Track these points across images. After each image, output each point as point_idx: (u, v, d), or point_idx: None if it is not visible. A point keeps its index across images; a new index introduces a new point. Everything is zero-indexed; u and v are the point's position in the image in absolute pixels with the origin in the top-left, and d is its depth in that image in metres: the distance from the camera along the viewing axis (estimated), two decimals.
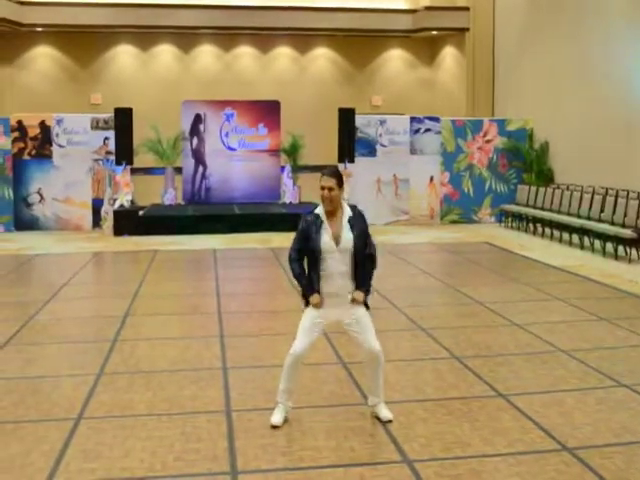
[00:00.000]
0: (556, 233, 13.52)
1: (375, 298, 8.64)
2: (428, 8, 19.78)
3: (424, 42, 21.34)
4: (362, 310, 4.82)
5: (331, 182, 4.68)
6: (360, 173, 15.76)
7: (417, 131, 16.24)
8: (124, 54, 20.46)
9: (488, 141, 16.50)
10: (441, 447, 4.44)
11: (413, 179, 16.18)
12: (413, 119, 16.37)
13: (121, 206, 14.67)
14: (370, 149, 16.11)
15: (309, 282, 4.77)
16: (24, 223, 15.18)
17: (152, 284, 9.70)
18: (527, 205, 15.10)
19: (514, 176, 16.56)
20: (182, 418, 4.92)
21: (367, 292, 4.82)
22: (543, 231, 14.07)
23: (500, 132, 16.53)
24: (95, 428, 4.76)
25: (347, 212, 4.79)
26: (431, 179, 16.26)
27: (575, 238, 12.74)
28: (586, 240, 12.36)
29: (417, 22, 20.11)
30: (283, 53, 21.10)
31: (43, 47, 20.17)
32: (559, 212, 13.74)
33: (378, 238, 13.67)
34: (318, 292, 4.75)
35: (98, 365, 6.10)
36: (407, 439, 4.55)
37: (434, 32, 20.39)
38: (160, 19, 19.27)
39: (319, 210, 4.78)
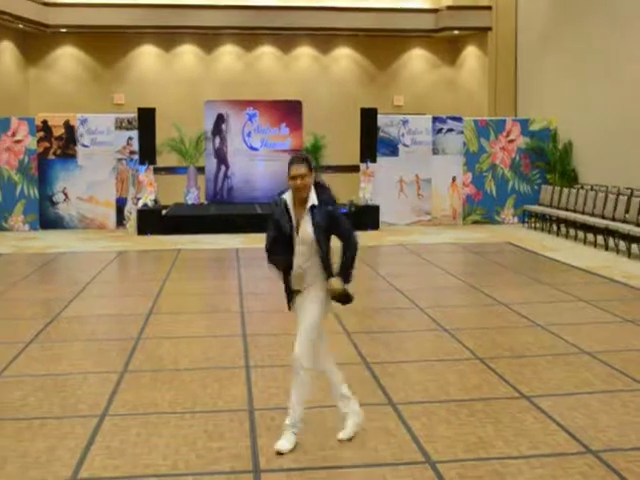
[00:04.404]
0: (580, 234, 13.41)
1: (398, 298, 8.66)
2: (450, 8, 19.70)
3: (446, 42, 21.25)
4: (307, 311, 4.40)
5: (302, 169, 4.30)
6: (382, 173, 15.74)
7: (439, 131, 16.18)
8: (147, 54, 20.59)
9: (511, 141, 16.40)
10: (464, 448, 4.43)
11: (435, 179, 16.12)
12: (435, 119, 16.31)
13: (144, 205, 14.77)
14: (392, 149, 16.08)
15: (290, 287, 4.47)
16: (49, 222, 15.35)
17: (175, 283, 9.76)
18: (551, 206, 14.99)
19: (537, 176, 16.44)
20: (205, 416, 4.95)
21: (345, 280, 4.37)
22: (567, 232, 13.96)
23: (523, 132, 16.42)
24: (119, 425, 4.80)
25: (312, 199, 4.35)
26: (453, 179, 16.20)
27: (600, 239, 12.62)
28: (611, 241, 12.24)
29: (439, 22, 20.04)
30: (305, 53, 21.11)
31: (67, 48, 20.35)
32: (583, 213, 13.62)
33: (400, 238, 13.82)
34: (290, 290, 4.47)
35: (122, 363, 6.15)
36: (430, 440, 4.53)
37: (456, 32, 20.29)
38: (182, 19, 19.37)
39: (287, 195, 4.41)
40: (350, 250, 4.39)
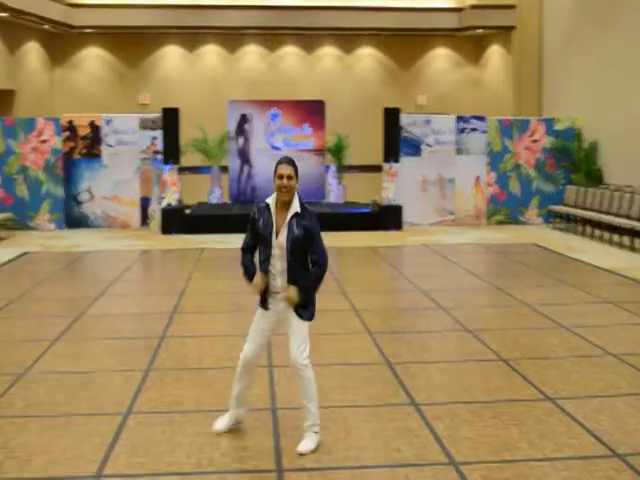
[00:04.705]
0: (606, 235, 13.27)
1: (421, 298, 8.63)
2: (474, 7, 19.59)
3: (470, 41, 21.13)
4: (299, 328, 4.49)
5: (289, 170, 4.39)
6: (405, 173, 15.70)
7: (463, 130, 16.10)
8: (171, 55, 20.72)
9: (535, 141, 16.27)
10: (488, 450, 4.40)
11: (459, 179, 16.05)
12: (459, 118, 16.23)
13: (168, 205, 14.87)
14: (415, 149, 16.03)
15: (253, 267, 4.55)
16: (74, 221, 15.50)
17: (199, 282, 9.81)
18: (576, 206, 14.85)
19: (562, 176, 16.30)
20: None
21: (304, 294, 4.44)
22: (592, 232, 13.83)
23: (548, 131, 16.28)
24: (143, 423, 4.84)
25: (295, 207, 4.43)
26: (477, 179, 16.11)
27: (625, 240, 12.48)
28: (637, 242, 12.10)
29: (463, 21, 19.94)
30: (328, 53, 21.11)
31: (93, 48, 20.54)
32: (609, 213, 13.48)
33: (423, 238, 13.78)
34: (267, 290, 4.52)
35: (146, 361, 6.20)
36: (453, 441, 4.52)
37: (480, 30, 20.18)
38: (206, 20, 19.46)
39: (270, 200, 4.50)
40: (319, 267, 4.48)
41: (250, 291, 4.67)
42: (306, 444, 4.42)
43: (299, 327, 4.51)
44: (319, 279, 4.51)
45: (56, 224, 15.43)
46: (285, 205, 4.44)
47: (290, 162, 4.47)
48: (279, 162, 4.47)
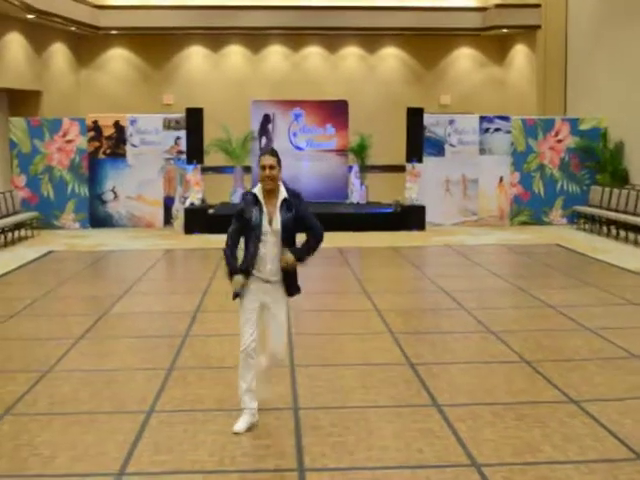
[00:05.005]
0: (631, 236, 13.12)
1: (443, 299, 8.60)
2: (498, 6, 19.46)
3: (494, 40, 21.00)
4: (284, 310, 4.76)
5: (271, 160, 4.62)
6: (428, 173, 15.65)
7: (486, 130, 16.01)
8: (195, 55, 20.82)
9: (560, 141, 16.13)
10: (510, 452, 4.37)
11: (482, 179, 15.95)
12: (483, 118, 16.14)
13: (192, 204, 14.95)
14: (439, 149, 15.97)
15: (235, 264, 4.68)
16: (99, 220, 15.65)
17: (221, 281, 9.78)
18: (600, 207, 14.69)
19: (587, 177, 16.14)
20: None
21: (299, 258, 4.70)
22: (617, 233, 13.68)
23: (572, 131, 16.13)
24: (166, 421, 4.87)
25: (283, 193, 4.69)
26: (501, 179, 16.01)
27: None
28: None
29: (487, 20, 19.82)
30: (351, 53, 21.09)
31: (118, 49, 20.70)
32: (634, 214, 13.32)
33: (446, 239, 13.72)
34: (246, 274, 4.66)
35: (169, 360, 6.24)
36: (475, 443, 4.49)
37: (504, 30, 20.04)
38: (230, 20, 19.53)
39: (257, 190, 4.71)
40: (315, 238, 4.77)
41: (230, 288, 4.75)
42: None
43: (282, 320, 4.76)
44: (314, 249, 4.79)
45: (81, 223, 15.59)
46: (271, 193, 4.68)
47: (272, 153, 4.71)
48: (262, 154, 4.72)
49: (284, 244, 4.67)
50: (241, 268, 4.66)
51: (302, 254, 4.73)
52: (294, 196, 4.73)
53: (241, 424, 4.69)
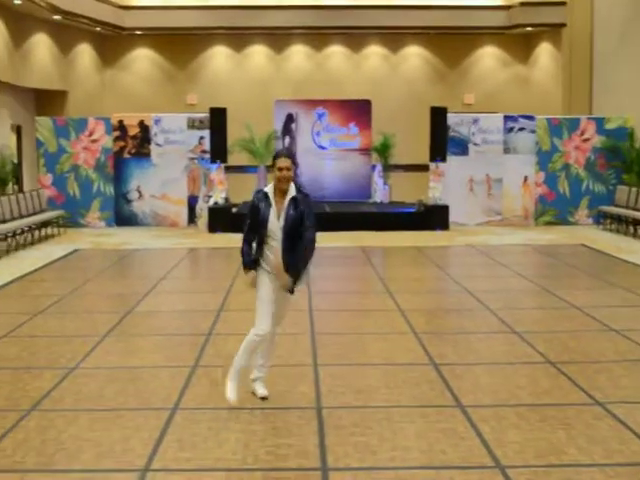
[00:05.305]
0: None
1: (467, 299, 8.56)
2: (523, 4, 19.33)
3: (518, 39, 20.85)
4: (288, 296, 5.12)
5: (287, 162, 4.92)
6: (452, 172, 15.58)
7: (511, 130, 15.91)
8: (219, 55, 20.92)
9: (585, 140, 15.98)
10: (535, 454, 4.34)
11: (506, 179, 15.86)
12: (507, 117, 16.04)
13: (215, 203, 15.02)
14: (462, 148, 15.89)
15: (248, 258, 5.04)
16: (124, 219, 15.78)
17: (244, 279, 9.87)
18: (627, 207, 14.54)
19: (613, 176, 15.98)
20: (274, 413, 5.01)
21: (294, 279, 4.99)
22: None
23: (598, 131, 15.97)
24: (190, 419, 4.90)
25: (292, 192, 4.98)
26: (525, 179, 15.90)
27: None
28: None
29: (511, 18, 19.69)
30: (374, 52, 21.06)
31: (142, 49, 20.86)
32: None
33: (470, 239, 13.66)
34: (254, 269, 5.04)
35: (193, 357, 6.28)
36: (500, 444, 4.47)
37: (529, 28, 19.90)
38: (253, 20, 19.60)
39: (268, 189, 5.01)
40: (306, 246, 4.95)
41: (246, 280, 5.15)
42: (265, 391, 5.21)
43: (287, 305, 5.21)
44: (306, 260, 5.03)
45: (106, 222, 15.73)
46: (283, 192, 4.97)
47: (288, 155, 5.02)
48: (277, 155, 4.99)
49: (289, 239, 4.93)
50: (251, 260, 5.03)
51: (299, 271, 5.00)
52: (302, 196, 4.99)
53: (233, 392, 5.04)
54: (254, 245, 5.05)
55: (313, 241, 4.98)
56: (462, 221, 15.63)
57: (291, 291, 5.05)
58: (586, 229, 15.27)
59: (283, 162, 4.90)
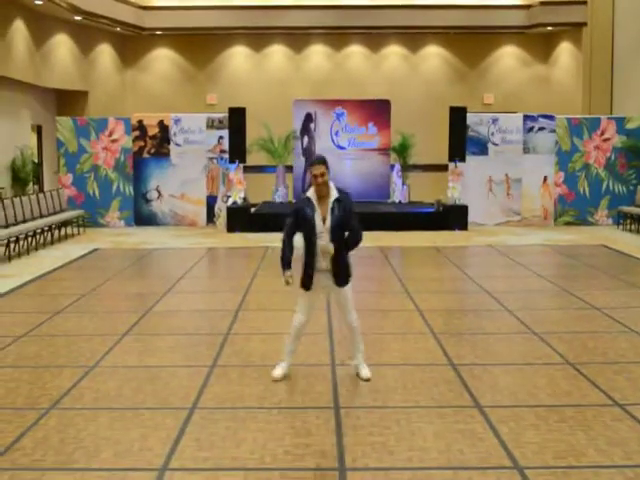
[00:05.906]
0: None
1: (486, 300, 8.52)
2: (543, 3, 19.23)
3: (538, 38, 20.74)
4: (345, 288, 5.49)
5: (322, 169, 5.20)
6: (471, 172, 15.52)
7: (530, 129, 15.81)
8: (238, 55, 20.99)
9: (606, 140, 15.85)
10: (553, 455, 4.32)
11: (526, 179, 15.77)
12: (526, 117, 15.95)
13: (234, 203, 15.07)
14: (482, 148, 15.82)
15: (287, 257, 5.40)
16: (143, 218, 15.87)
17: (263, 279, 9.91)
18: None
19: (634, 176, 15.83)
20: (292, 412, 5.01)
21: (340, 252, 5.34)
22: None
23: (619, 130, 15.84)
24: (208, 418, 4.92)
25: (334, 194, 5.29)
26: (545, 179, 15.80)
27: None
28: None
29: (531, 18, 19.58)
30: (394, 52, 21.03)
31: (162, 50, 20.99)
32: None
33: (489, 239, 13.59)
34: (290, 268, 5.41)
35: (211, 357, 6.30)
36: (518, 445, 4.45)
37: (549, 28, 19.78)
38: (272, 20, 19.66)
39: (310, 193, 5.32)
40: (354, 239, 5.38)
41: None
42: (368, 373, 5.60)
43: (344, 296, 5.54)
44: (353, 245, 5.41)
45: (125, 221, 15.84)
46: (324, 196, 5.27)
47: (320, 161, 5.25)
48: (311, 163, 5.28)
49: (337, 240, 5.27)
50: (289, 260, 5.39)
51: (342, 250, 5.38)
52: (345, 196, 5.33)
53: (279, 371, 5.60)
54: (302, 247, 5.38)
55: (359, 238, 5.38)
56: (481, 221, 15.56)
57: (336, 280, 5.37)
58: (606, 229, 15.14)
59: (317, 169, 5.18)
